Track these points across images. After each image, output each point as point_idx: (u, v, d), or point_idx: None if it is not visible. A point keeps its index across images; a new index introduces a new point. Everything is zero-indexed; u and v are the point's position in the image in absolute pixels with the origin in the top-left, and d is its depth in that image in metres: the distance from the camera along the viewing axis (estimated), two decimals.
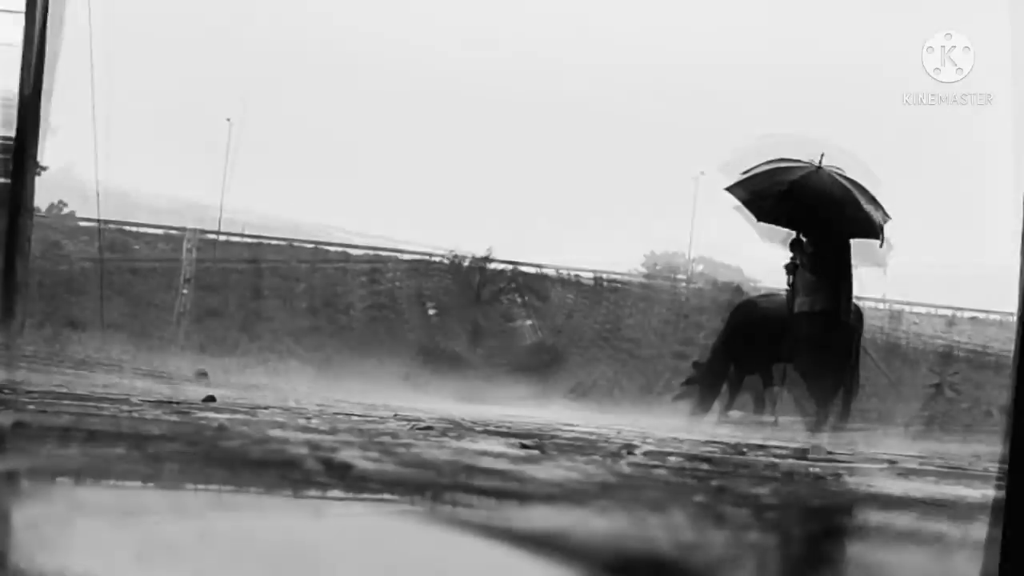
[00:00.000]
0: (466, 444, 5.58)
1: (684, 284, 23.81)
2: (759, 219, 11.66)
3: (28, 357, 13.58)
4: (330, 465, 3.99)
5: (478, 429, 7.20)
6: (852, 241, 11.49)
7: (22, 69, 13.69)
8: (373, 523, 3.08)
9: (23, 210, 14.30)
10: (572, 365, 19.32)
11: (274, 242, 21.90)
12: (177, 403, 7.51)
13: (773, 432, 11.22)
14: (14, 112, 13.84)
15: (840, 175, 11.46)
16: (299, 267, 20.62)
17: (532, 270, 21.09)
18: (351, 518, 3.17)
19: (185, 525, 2.77)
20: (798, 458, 6.96)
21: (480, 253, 20.60)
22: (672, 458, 5.80)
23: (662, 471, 5.00)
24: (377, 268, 21.08)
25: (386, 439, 5.47)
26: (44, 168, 15.81)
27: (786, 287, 11.64)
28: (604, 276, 22.26)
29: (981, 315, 21.33)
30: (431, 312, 19.96)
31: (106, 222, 18.81)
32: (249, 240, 22.00)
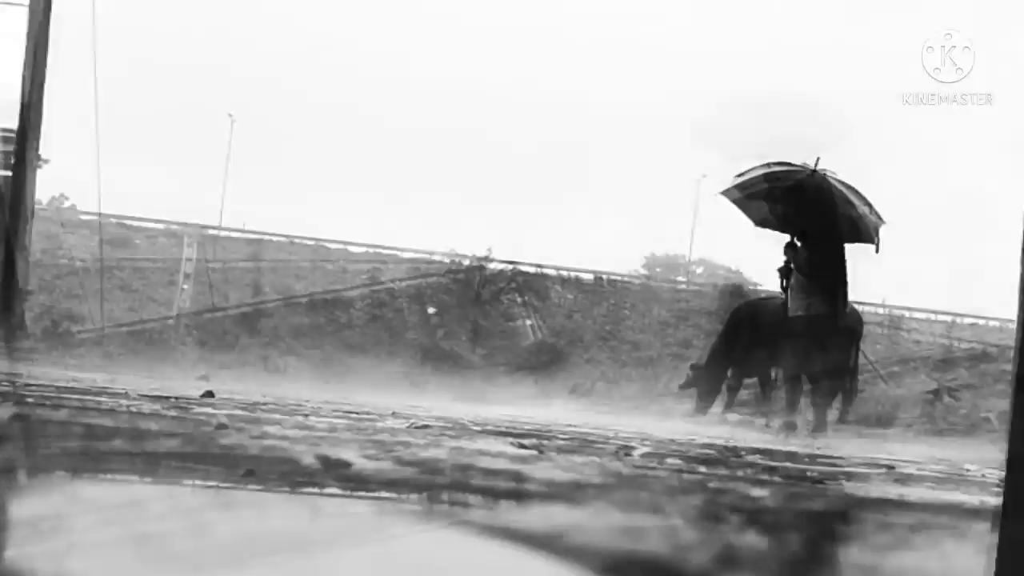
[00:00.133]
0: (464, 443, 5.58)
1: (684, 286, 23.81)
2: (756, 224, 11.67)
3: (27, 350, 13.59)
4: (328, 463, 3.99)
5: (476, 428, 7.20)
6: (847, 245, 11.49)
7: (25, 62, 13.69)
8: (370, 521, 3.09)
9: (23, 203, 14.31)
10: (572, 365, 19.33)
11: (275, 239, 21.90)
12: (175, 398, 7.51)
13: (771, 434, 11.22)
14: (16, 104, 13.84)
15: (835, 179, 11.46)
16: (300, 264, 20.62)
17: (532, 270, 21.10)
18: (348, 516, 3.17)
19: (181, 520, 2.77)
20: (795, 461, 6.95)
21: (480, 253, 20.61)
22: (670, 459, 5.80)
23: (660, 472, 5.00)
24: (377, 267, 21.09)
25: (384, 437, 5.47)
26: (45, 161, 15.81)
27: (780, 290, 11.64)
28: (604, 277, 22.26)
29: (981, 321, 21.33)
30: (431, 311, 19.97)
31: (106, 216, 18.82)
32: (250, 236, 22.00)
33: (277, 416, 6.52)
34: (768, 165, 11.70)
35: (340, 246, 21.83)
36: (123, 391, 7.87)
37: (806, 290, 11.26)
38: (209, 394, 8.35)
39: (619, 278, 22.73)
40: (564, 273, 21.57)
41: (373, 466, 4.04)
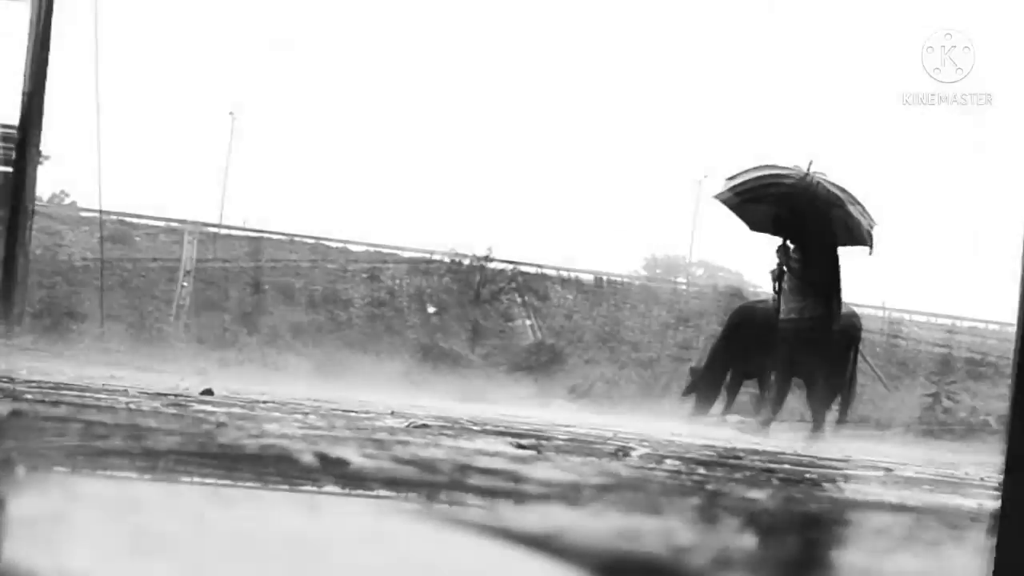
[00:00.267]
0: (463, 443, 5.58)
1: (684, 287, 23.81)
2: (752, 229, 11.68)
3: (27, 347, 13.59)
4: (326, 461, 3.99)
5: (475, 428, 7.20)
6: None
7: (26, 58, 13.70)
8: (368, 519, 3.09)
9: (24, 199, 14.30)
10: (571, 366, 19.32)
11: (275, 237, 21.90)
12: (175, 396, 7.51)
13: (770, 436, 11.22)
14: (17, 100, 13.84)
15: (828, 182, 11.47)
16: (299, 263, 20.62)
17: (532, 270, 21.10)
18: (346, 514, 3.17)
19: (180, 518, 2.77)
20: (794, 463, 6.96)
21: (480, 253, 20.61)
22: (668, 461, 5.80)
23: (658, 474, 5.00)
24: (377, 266, 21.09)
25: (383, 436, 5.48)
26: (46, 157, 15.81)
27: (773, 292, 11.64)
28: (604, 277, 22.26)
29: (980, 324, 21.33)
30: (431, 311, 19.97)
31: (107, 213, 18.81)
32: (251, 234, 22.00)
33: (276, 414, 6.53)
34: (760, 169, 11.70)
35: (340, 245, 21.81)
36: (122, 388, 7.87)
37: (799, 293, 11.26)
38: (208, 392, 8.36)
39: (619, 278, 22.73)
40: (564, 273, 21.57)
41: (372, 464, 4.05)
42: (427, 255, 21.14)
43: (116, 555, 2.25)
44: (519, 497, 3.68)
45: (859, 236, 11.33)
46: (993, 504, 4.02)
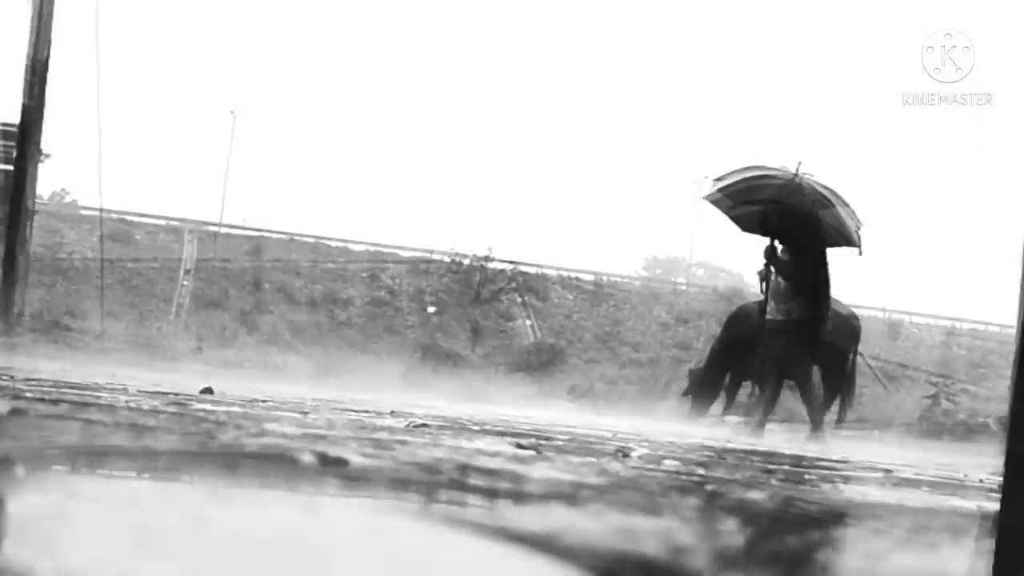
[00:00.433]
0: (462, 443, 5.58)
1: (684, 288, 23.79)
2: (744, 230, 11.67)
3: (27, 345, 13.58)
4: (326, 460, 3.99)
5: (475, 428, 7.20)
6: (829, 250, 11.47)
7: (27, 56, 13.69)
8: (367, 520, 3.09)
9: (25, 198, 14.30)
10: (570, 366, 19.31)
11: (275, 236, 21.87)
12: (175, 394, 7.51)
13: (766, 437, 11.22)
14: (18, 99, 13.84)
15: (816, 183, 11.46)
16: (299, 262, 20.61)
17: (532, 270, 21.07)
18: (345, 513, 3.17)
19: (179, 517, 2.77)
20: (793, 464, 6.96)
21: (480, 252, 20.59)
22: (667, 461, 5.80)
23: (657, 474, 5.00)
24: (377, 266, 21.07)
25: (383, 436, 5.48)
26: (47, 156, 15.81)
27: (760, 293, 11.64)
28: (605, 278, 22.24)
29: (980, 326, 21.32)
30: (431, 310, 19.96)
31: (108, 211, 18.80)
32: (251, 233, 21.97)
33: (276, 413, 6.53)
34: (747, 170, 11.70)
35: (340, 245, 21.82)
36: (122, 387, 7.87)
37: (787, 294, 11.26)
38: (208, 390, 8.36)
39: (619, 279, 22.73)
40: (564, 273, 21.58)
41: (371, 464, 4.05)
42: (427, 255, 21.14)
43: (115, 554, 2.25)
44: (519, 497, 3.69)
45: (848, 237, 11.32)
46: (992, 506, 4.02)
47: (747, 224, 11.61)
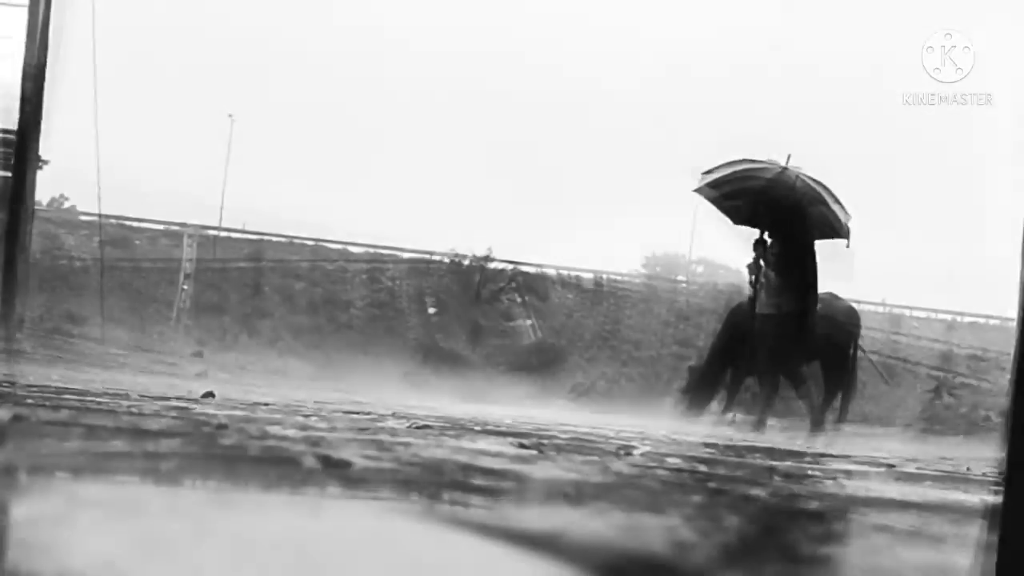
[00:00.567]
0: (464, 443, 5.58)
1: (685, 285, 23.81)
2: (736, 223, 11.66)
3: (28, 351, 13.58)
4: (328, 462, 4.00)
5: (477, 428, 7.20)
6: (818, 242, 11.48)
7: (24, 61, 13.69)
8: (370, 521, 3.09)
9: (23, 204, 14.30)
10: (572, 365, 19.32)
11: (275, 239, 21.90)
12: (176, 399, 7.52)
13: (767, 433, 11.22)
14: (16, 104, 13.84)
15: (805, 176, 11.47)
16: (299, 265, 20.62)
17: (532, 270, 21.09)
18: (349, 516, 3.17)
19: (183, 522, 2.77)
20: (795, 460, 6.96)
21: (480, 252, 20.61)
22: (670, 459, 5.81)
23: (660, 472, 5.00)
24: (377, 267, 21.09)
25: (385, 437, 5.48)
26: (45, 162, 15.81)
27: (749, 286, 11.64)
28: (604, 276, 22.26)
29: (981, 320, 21.33)
30: (431, 311, 19.97)
31: (107, 216, 18.80)
32: (250, 236, 22.00)
33: (278, 416, 6.53)
34: (736, 163, 11.69)
35: (340, 246, 21.82)
36: (123, 391, 7.87)
37: (777, 287, 11.26)
38: (210, 394, 8.36)
39: (619, 277, 22.73)
40: (564, 273, 21.58)
41: (374, 466, 4.05)
42: (427, 255, 21.14)
43: (118, 559, 2.25)
44: (521, 497, 3.69)
45: (836, 228, 11.33)
46: (995, 499, 4.02)
47: (738, 217, 11.62)
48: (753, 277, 11.47)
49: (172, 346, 17.70)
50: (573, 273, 21.64)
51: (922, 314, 21.72)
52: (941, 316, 21.58)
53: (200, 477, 3.65)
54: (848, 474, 6.21)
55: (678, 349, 19.50)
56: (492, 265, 20.52)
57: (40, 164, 15.11)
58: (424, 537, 2.83)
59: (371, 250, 21.66)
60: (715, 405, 13.05)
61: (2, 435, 4.23)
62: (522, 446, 5.68)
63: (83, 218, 20.60)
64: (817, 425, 11.72)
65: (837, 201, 11.41)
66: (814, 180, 11.45)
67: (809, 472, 6.08)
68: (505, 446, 5.62)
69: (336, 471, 3.83)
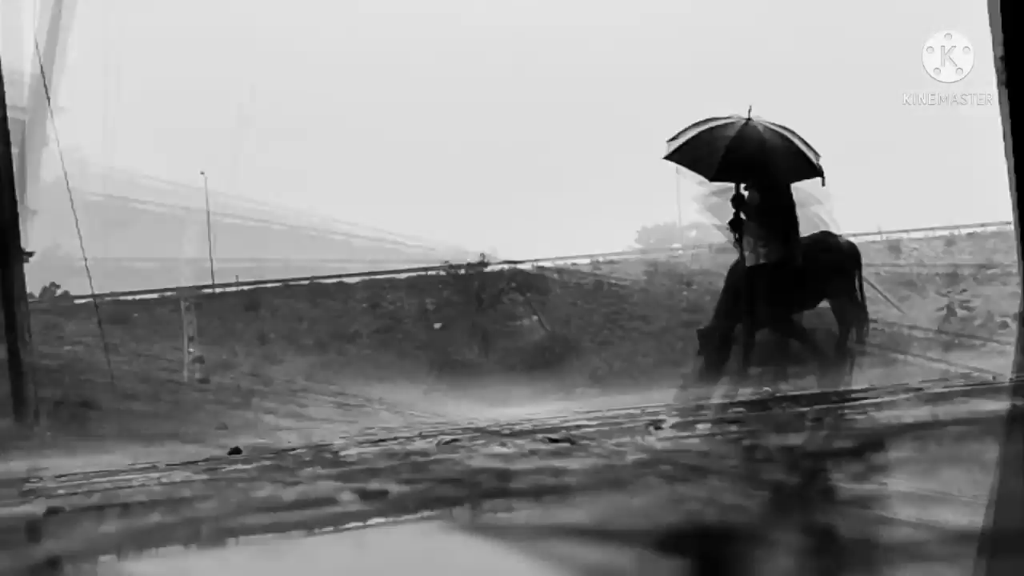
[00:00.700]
0: (495, 449, 5.58)
1: (681, 252, 23.81)
2: (712, 179, 11.65)
3: (47, 443, 13.56)
4: (365, 494, 3.99)
5: (505, 432, 7.20)
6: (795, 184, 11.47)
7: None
8: (416, 544, 3.09)
9: (16, 297, 14.28)
10: (585, 352, 19.30)
11: (270, 285, 21.89)
12: (204, 460, 7.50)
13: (792, 380, 11.21)
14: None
15: (770, 124, 11.48)
16: (298, 307, 20.61)
17: (528, 267, 21.08)
18: (393, 543, 3.17)
19: None
20: (825, 402, 6.96)
21: (474, 259, 20.59)
22: (700, 425, 5.81)
23: (692, 440, 5.01)
24: (376, 292, 21.07)
25: (417, 459, 5.47)
26: (30, 254, 15.80)
27: (734, 243, 11.62)
28: (601, 258, 22.25)
29: (979, 229, 21.31)
30: (437, 326, 19.96)
31: (100, 296, 18.78)
32: (244, 288, 21.99)
33: (307, 459, 6.53)
34: (699, 125, 11.70)
35: (335, 281, 21.81)
36: (151, 464, 7.86)
37: (761, 239, 11.26)
38: (236, 450, 8.34)
39: (616, 256, 22.72)
40: (561, 263, 21.58)
41: (411, 489, 4.05)
42: (422, 273, 21.14)
43: None
44: (564, 491, 3.69)
45: (813, 169, 11.36)
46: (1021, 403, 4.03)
47: (712, 173, 11.62)
48: (736, 234, 11.49)
49: (189, 411, 17.68)
50: (570, 262, 21.64)
51: (920, 235, 21.70)
52: (939, 233, 21.57)
53: (241, 534, 3.65)
54: (877, 406, 6.21)
55: (687, 316, 19.47)
56: (488, 269, 20.52)
57: (25, 258, 15.09)
58: (472, 549, 2.83)
59: (367, 277, 21.66)
60: (732, 364, 13.02)
61: (41, 530, 4.23)
62: (553, 441, 5.67)
63: (78, 302, 20.59)
64: (837, 359, 11.71)
65: (805, 142, 11.44)
66: (778, 125, 11.49)
67: (839, 412, 6.08)
68: (537, 444, 5.62)
69: (375, 502, 3.83)
